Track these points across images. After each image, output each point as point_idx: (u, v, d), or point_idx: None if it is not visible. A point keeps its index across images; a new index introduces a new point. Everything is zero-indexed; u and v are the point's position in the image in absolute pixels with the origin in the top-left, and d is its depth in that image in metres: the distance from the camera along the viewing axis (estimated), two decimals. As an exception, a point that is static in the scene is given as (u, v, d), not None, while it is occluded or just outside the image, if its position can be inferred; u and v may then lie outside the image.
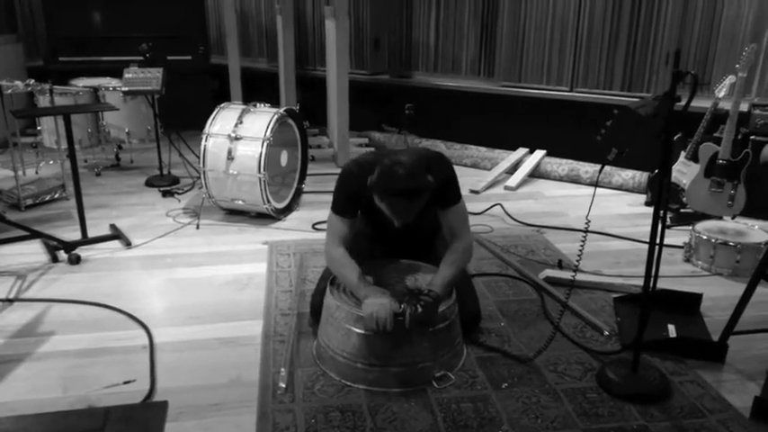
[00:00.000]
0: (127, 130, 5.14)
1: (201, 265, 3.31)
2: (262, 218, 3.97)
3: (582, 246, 2.33)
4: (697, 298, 2.84)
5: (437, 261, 2.46)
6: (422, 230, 2.66)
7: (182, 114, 5.24)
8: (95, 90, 5.06)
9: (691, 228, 3.46)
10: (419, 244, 2.70)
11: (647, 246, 2.17)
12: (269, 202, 3.80)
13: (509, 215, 4.12)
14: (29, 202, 4.10)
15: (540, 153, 5.16)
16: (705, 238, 3.30)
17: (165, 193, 4.44)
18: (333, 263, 2.42)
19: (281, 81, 5.97)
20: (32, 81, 4.47)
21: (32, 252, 3.40)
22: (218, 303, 2.90)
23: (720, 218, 3.72)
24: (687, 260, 3.44)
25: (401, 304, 2.21)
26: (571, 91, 4.99)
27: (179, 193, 4.46)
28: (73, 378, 2.31)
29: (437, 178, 2.28)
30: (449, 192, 2.43)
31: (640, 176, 4.62)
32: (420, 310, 2.19)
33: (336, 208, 2.45)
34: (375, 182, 2.19)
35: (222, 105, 4.01)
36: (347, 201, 2.43)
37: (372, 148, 5.52)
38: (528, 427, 2.07)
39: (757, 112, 3.93)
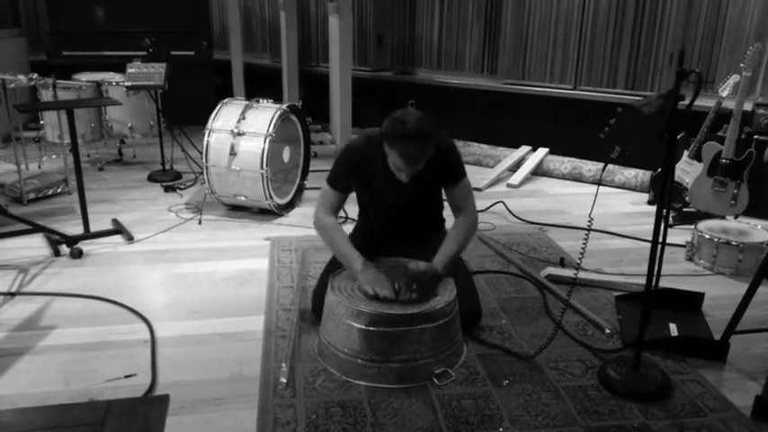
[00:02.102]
0: (130, 125, 5.14)
1: (203, 260, 3.32)
2: (264, 214, 3.97)
3: (584, 244, 2.33)
4: (699, 297, 2.84)
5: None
6: (423, 212, 2.69)
7: (184, 110, 5.25)
8: (98, 85, 5.07)
9: (693, 227, 3.45)
10: (421, 228, 2.70)
11: (649, 244, 2.17)
12: (271, 198, 3.80)
13: (511, 213, 4.12)
14: (31, 196, 4.11)
15: (542, 151, 5.15)
16: (708, 237, 3.30)
17: (168, 189, 4.45)
18: (322, 229, 2.52)
19: (283, 77, 5.97)
20: (35, 75, 4.47)
21: (35, 246, 3.41)
22: (219, 298, 2.91)
23: (723, 217, 3.72)
24: (689, 259, 3.43)
25: (396, 284, 2.31)
26: (574, 89, 4.98)
27: (181, 189, 4.46)
28: (74, 372, 2.32)
29: (440, 151, 2.39)
30: (453, 169, 2.51)
31: (643, 175, 4.61)
32: (413, 295, 2.29)
33: (332, 180, 2.53)
34: (385, 129, 2.28)
35: (225, 101, 4.01)
36: (345, 175, 2.52)
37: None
38: (529, 424, 2.07)
39: (761, 111, 3.92)
